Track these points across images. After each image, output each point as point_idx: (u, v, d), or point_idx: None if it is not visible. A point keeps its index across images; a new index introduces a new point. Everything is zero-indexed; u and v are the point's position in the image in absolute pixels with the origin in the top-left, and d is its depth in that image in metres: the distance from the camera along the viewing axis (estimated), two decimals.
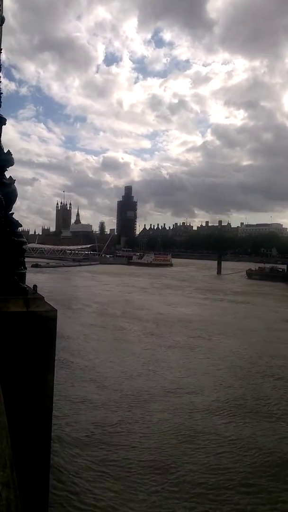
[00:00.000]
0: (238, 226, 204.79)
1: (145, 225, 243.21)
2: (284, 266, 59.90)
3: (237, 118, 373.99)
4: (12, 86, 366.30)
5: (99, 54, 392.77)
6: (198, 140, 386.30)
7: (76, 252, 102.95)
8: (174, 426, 7.91)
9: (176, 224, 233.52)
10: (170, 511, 5.40)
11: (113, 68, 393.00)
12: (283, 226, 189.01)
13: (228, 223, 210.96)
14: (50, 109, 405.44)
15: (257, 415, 8.64)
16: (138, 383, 10.40)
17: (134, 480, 6.05)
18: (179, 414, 8.49)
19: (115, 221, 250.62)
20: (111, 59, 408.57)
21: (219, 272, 66.16)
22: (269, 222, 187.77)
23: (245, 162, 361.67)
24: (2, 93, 4.77)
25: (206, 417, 8.42)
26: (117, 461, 6.52)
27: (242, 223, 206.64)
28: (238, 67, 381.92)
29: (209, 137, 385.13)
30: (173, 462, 6.56)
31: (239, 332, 17.92)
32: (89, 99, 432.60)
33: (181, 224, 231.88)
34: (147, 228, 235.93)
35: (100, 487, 5.82)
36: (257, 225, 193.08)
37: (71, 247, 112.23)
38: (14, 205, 4.65)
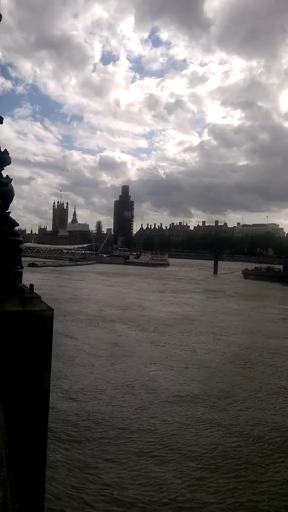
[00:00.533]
0: (234, 226, 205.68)
1: (142, 224, 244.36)
2: (280, 266, 60.19)
3: (234, 118, 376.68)
4: (9, 84, 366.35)
5: (96, 53, 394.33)
6: (195, 140, 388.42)
7: (73, 251, 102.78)
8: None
9: (173, 224, 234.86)
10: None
11: (110, 67, 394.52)
12: (279, 227, 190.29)
13: (224, 223, 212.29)
14: (46, 108, 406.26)
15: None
16: (140, 389, 10.39)
17: (135, 482, 6.03)
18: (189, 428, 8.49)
19: (112, 220, 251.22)
20: (108, 58, 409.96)
21: (215, 272, 66.33)
22: (265, 222, 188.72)
23: (242, 162, 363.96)
24: None
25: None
26: (116, 467, 6.50)
27: (238, 223, 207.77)
28: (235, 67, 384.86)
29: (206, 137, 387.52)
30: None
31: (240, 332, 17.98)
32: (86, 98, 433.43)
33: (178, 224, 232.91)
34: (144, 228, 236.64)
35: (97, 487, 5.82)
36: (254, 225, 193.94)
37: (68, 247, 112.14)
38: (11, 204, 4.64)
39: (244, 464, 6.60)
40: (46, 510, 4.40)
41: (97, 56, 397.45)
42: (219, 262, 71.96)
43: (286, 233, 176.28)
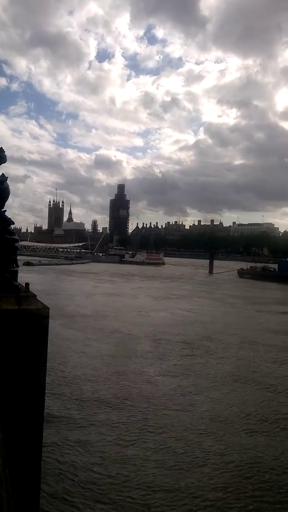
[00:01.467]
0: (230, 226, 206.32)
1: (137, 223, 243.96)
2: (275, 266, 60.52)
3: (230, 117, 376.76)
4: (3, 81, 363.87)
5: (91, 50, 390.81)
6: (190, 138, 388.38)
7: (69, 250, 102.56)
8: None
9: (168, 223, 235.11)
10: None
11: (105, 65, 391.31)
12: (275, 226, 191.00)
13: (220, 222, 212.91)
14: (41, 106, 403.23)
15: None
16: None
17: (132, 485, 6.05)
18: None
19: (108, 219, 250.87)
20: (103, 56, 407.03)
21: (211, 271, 66.54)
22: (260, 222, 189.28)
23: (238, 161, 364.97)
24: None
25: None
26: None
27: (234, 223, 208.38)
28: (231, 66, 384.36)
29: (201, 135, 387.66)
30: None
31: (239, 333, 18.04)
32: (81, 95, 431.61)
33: (173, 223, 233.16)
34: (140, 227, 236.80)
35: (91, 488, 5.82)
36: (249, 224, 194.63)
37: (64, 245, 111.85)
38: (7, 203, 4.63)
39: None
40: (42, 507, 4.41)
41: (92, 53, 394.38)
42: (215, 261, 72.27)
43: (281, 232, 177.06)
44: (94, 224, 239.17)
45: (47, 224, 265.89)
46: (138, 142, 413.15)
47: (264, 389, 10.20)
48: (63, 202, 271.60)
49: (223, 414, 8.45)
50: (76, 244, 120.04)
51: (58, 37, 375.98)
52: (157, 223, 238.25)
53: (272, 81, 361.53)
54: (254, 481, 6.04)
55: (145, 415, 8.18)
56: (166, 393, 9.55)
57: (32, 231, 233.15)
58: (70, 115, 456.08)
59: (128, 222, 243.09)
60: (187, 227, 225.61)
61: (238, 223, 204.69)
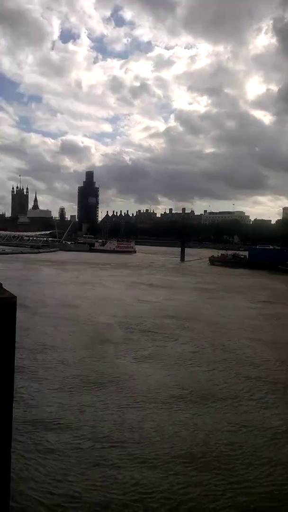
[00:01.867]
0: (201, 214, 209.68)
1: (107, 211, 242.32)
2: (246, 253, 62.13)
3: (201, 104, 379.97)
4: None
5: (55, 29, 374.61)
6: (161, 126, 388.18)
7: (35, 238, 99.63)
8: None
9: (139, 211, 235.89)
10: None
11: (70, 46, 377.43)
12: (245, 214, 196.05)
13: (191, 211, 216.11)
14: (1, 87, 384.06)
15: None
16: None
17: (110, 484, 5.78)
18: None
19: (76, 207, 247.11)
20: (68, 36, 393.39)
21: (182, 259, 67.19)
22: (231, 210, 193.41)
23: (208, 150, 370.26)
24: None
25: None
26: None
27: (205, 211, 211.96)
28: (202, 52, 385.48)
29: (172, 123, 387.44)
30: None
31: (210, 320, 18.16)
32: (45, 77, 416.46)
33: (144, 211, 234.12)
34: (110, 215, 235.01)
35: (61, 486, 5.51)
36: (220, 212, 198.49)
37: (29, 234, 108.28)
38: None
39: None
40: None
41: (55, 33, 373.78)
42: (186, 249, 72.98)
43: (251, 220, 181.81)
44: (62, 211, 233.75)
45: (10, 212, 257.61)
46: (107, 128, 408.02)
47: (243, 377, 10.22)
48: (27, 189, 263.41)
49: (201, 406, 8.37)
50: (42, 232, 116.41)
51: (17, 13, 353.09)
52: (127, 211, 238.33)
53: (243, 68, 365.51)
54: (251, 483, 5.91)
55: (121, 410, 7.89)
56: (142, 383, 9.34)
57: None
58: (32, 97, 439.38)
59: (98, 210, 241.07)
60: (158, 215, 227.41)
61: (209, 211, 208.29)
